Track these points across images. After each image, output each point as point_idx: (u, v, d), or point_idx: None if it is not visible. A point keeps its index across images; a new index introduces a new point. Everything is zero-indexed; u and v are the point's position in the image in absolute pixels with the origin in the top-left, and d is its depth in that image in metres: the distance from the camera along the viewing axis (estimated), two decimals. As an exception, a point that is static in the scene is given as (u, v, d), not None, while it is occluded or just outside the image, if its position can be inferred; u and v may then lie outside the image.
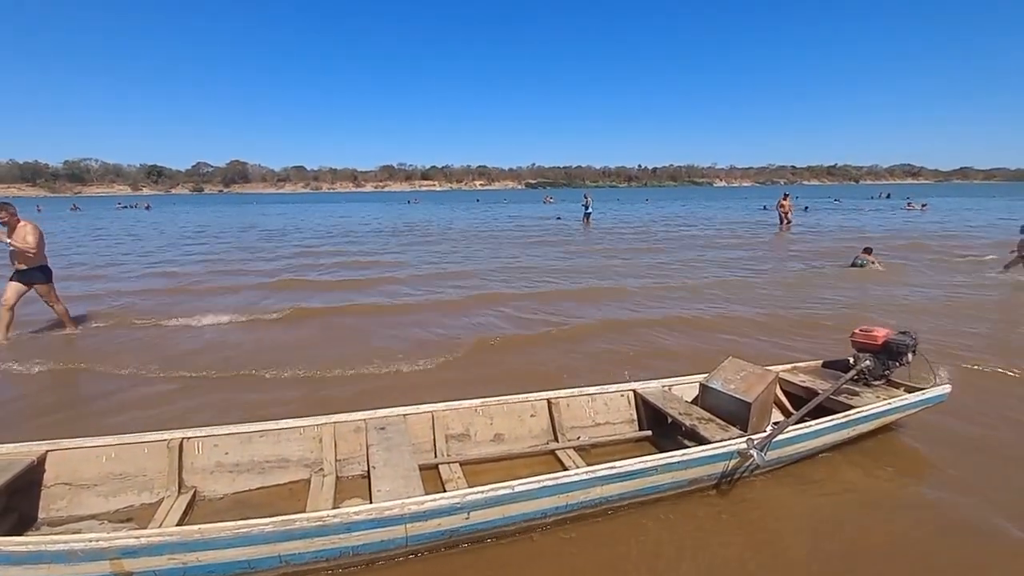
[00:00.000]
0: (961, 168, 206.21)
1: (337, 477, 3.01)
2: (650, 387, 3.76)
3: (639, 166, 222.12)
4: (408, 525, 2.21)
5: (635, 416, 3.71)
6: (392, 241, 17.70)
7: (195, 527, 2.00)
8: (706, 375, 3.57)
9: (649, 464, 2.62)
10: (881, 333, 3.70)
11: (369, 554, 2.25)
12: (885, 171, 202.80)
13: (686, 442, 3.25)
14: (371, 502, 2.29)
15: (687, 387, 3.79)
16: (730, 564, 2.43)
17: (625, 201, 55.36)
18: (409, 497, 2.26)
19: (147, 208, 51.04)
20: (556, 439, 3.49)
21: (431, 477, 3.03)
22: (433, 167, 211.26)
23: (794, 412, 3.22)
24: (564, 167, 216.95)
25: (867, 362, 3.67)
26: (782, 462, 3.12)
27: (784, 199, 20.33)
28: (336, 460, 3.06)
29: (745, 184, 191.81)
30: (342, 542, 2.15)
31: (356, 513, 2.12)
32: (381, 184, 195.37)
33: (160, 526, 2.51)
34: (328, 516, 2.10)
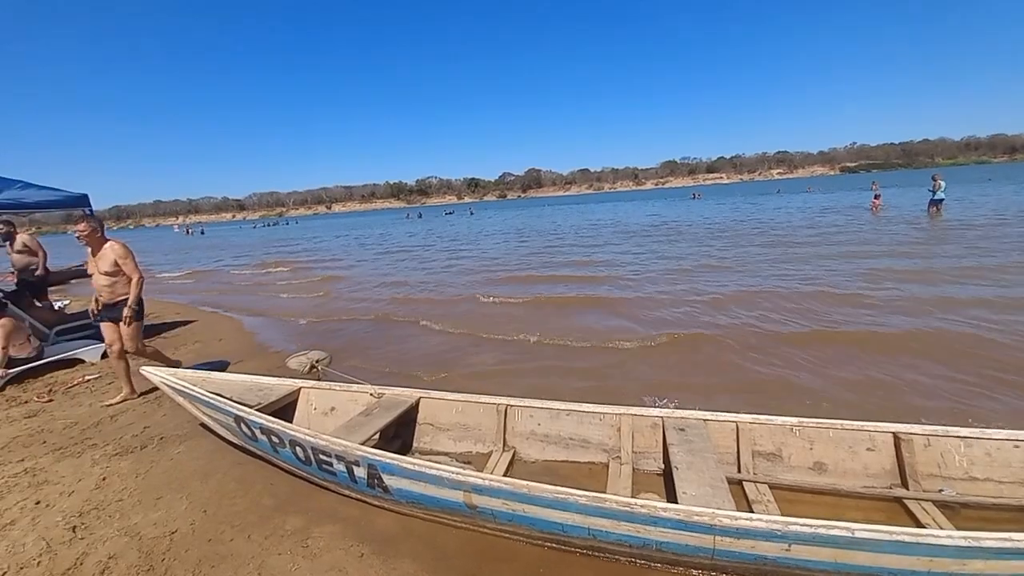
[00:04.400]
0: None
1: (633, 468, 3.07)
2: None
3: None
4: (717, 538, 2.06)
5: None
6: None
7: (524, 482, 2.32)
8: None
9: None
10: None
11: (672, 554, 2.19)
12: None
13: None
14: (670, 501, 2.23)
15: None
16: None
17: (1004, 180, 39.88)
18: (720, 508, 2.11)
19: (471, 213, 63.20)
20: (905, 485, 2.73)
21: (735, 493, 2.77)
22: (720, 158, 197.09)
23: None
24: (901, 144, 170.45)
25: None
26: None
27: None
28: (632, 451, 3.12)
29: None
30: (646, 534, 2.15)
31: (664, 510, 2.09)
32: (662, 180, 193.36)
33: (492, 473, 3.04)
34: (635, 504, 2.13)
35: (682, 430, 2.94)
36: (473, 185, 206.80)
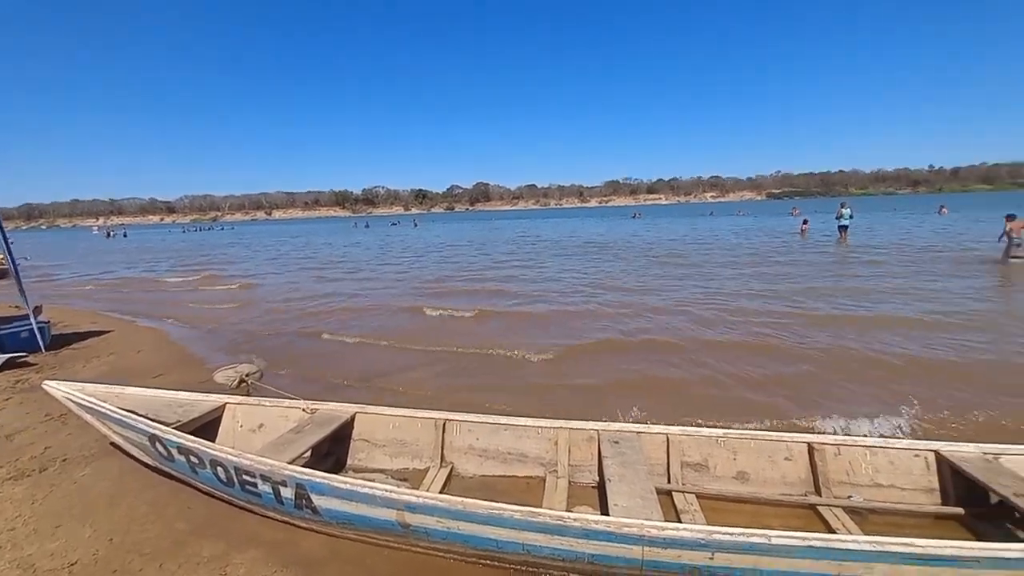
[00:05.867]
0: None
1: (570, 481, 3.11)
2: (963, 451, 2.85)
3: (930, 167, 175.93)
4: (646, 548, 2.13)
5: (936, 485, 2.87)
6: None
7: (459, 499, 2.30)
8: None
9: (970, 553, 1.97)
10: None
11: (604, 566, 2.24)
12: None
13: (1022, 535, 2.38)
14: (604, 514, 2.28)
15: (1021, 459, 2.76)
16: None
17: (904, 210, 44.42)
18: (648, 520, 2.18)
19: (415, 225, 62.23)
20: (818, 493, 2.94)
21: (665, 503, 2.88)
22: (659, 180, 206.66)
23: None
24: (819, 173, 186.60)
25: None
26: None
27: None
28: (569, 464, 3.17)
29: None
30: (579, 547, 2.19)
31: (595, 522, 2.14)
32: (605, 199, 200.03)
33: (427, 491, 2.98)
34: (568, 518, 2.16)
35: (616, 443, 3.02)
36: (421, 196, 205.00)
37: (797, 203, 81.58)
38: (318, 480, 2.47)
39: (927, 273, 10.84)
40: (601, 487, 2.81)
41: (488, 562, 2.43)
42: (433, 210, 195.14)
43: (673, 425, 3.20)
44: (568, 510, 2.49)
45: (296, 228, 72.77)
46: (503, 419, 3.33)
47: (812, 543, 2.03)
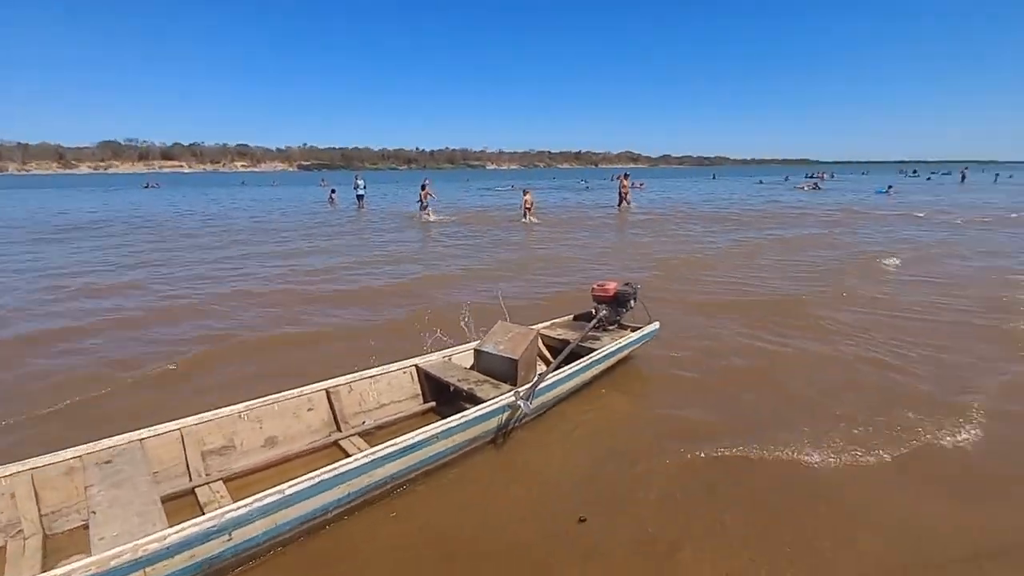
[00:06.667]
0: (664, 155, 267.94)
1: (46, 536, 2.32)
2: (431, 360, 3.85)
3: (417, 148, 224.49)
4: (149, 569, 1.83)
5: (419, 391, 3.76)
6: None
7: None
8: (479, 341, 3.84)
9: (429, 433, 2.69)
10: (612, 286, 4.48)
11: None
12: (615, 156, 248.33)
13: (467, 407, 3.45)
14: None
15: (465, 355, 3.99)
16: (509, 510, 2.65)
17: (404, 182, 55.07)
18: (145, 536, 1.86)
19: None
20: (339, 429, 3.32)
21: (186, 505, 2.56)
22: (177, 144, 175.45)
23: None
24: (340, 148, 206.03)
25: (604, 312, 4.42)
26: (546, 407, 3.56)
27: (624, 178, 22.43)
28: (41, 516, 2.35)
29: (513, 167, 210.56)
30: None
31: (74, 572, 1.66)
32: (103, 165, 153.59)
33: None
34: None
35: (108, 463, 2.43)
36: None
37: (325, 175, 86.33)
38: None
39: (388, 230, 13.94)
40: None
41: None
42: None
43: (190, 416, 2.86)
44: (48, 571, 1.85)
45: None
46: None
47: (322, 477, 2.27)
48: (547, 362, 4.32)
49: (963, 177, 44.61)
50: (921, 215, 18.05)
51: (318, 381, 3.37)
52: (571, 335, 4.30)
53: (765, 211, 20.56)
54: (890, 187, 31.97)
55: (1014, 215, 17.73)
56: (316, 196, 32.49)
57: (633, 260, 9.70)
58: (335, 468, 2.33)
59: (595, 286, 4.57)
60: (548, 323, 4.67)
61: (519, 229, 14.90)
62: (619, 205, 21.25)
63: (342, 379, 3.46)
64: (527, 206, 16.74)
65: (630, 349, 4.29)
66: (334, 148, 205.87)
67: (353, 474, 2.41)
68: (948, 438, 3.26)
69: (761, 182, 49.43)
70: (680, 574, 2.22)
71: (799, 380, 4.19)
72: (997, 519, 2.55)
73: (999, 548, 2.35)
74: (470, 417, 2.89)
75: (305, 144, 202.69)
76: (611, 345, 4.00)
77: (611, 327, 4.50)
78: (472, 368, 3.78)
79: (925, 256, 9.95)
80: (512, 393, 3.11)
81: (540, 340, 4.30)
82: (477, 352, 3.75)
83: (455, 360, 3.93)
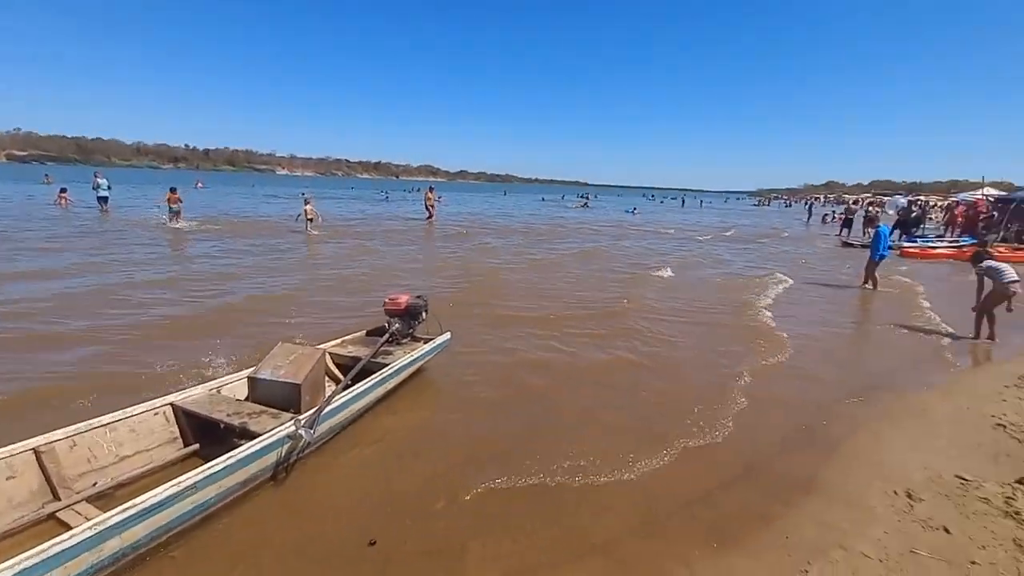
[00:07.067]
0: (461, 171, 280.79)
1: None
2: (193, 395, 3.29)
3: (187, 145, 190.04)
4: None
5: (177, 433, 3.18)
6: None
7: None
8: (254, 367, 3.44)
9: (186, 484, 2.29)
10: (403, 299, 4.48)
11: None
12: (415, 169, 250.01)
13: (242, 443, 3.06)
14: None
15: (237, 384, 3.53)
16: (292, 550, 2.44)
17: (165, 185, 45.78)
18: None
19: None
20: (57, 497, 2.59)
21: None
22: None
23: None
24: (75, 138, 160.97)
25: (396, 325, 4.39)
26: (335, 431, 3.36)
27: (430, 191, 22.74)
28: None
29: (307, 174, 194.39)
30: None
31: None
32: None
33: None
34: None
35: None
36: None
37: (51, 169, 68.12)
38: None
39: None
40: None
41: None
42: None
43: None
44: None
45: None
46: None
47: (23, 565, 1.76)
48: (337, 382, 4.11)
49: (683, 202, 57.39)
50: (671, 231, 22.17)
51: (18, 442, 2.58)
52: (363, 351, 4.16)
53: (557, 224, 23.15)
54: (635, 208, 38.92)
55: (728, 232, 22.94)
56: (43, 195, 24.86)
57: (436, 274, 9.81)
58: (40, 551, 1.82)
59: (387, 300, 4.53)
60: (338, 341, 4.45)
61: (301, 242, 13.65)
62: (428, 219, 21.32)
63: (58, 433, 2.72)
64: (309, 216, 15.29)
65: (423, 361, 4.36)
66: (66, 137, 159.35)
67: (71, 553, 1.92)
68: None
69: (544, 199, 54.94)
70: (469, 572, 2.35)
71: (584, 389, 4.54)
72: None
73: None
74: (240, 456, 2.56)
75: (19, 129, 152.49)
76: (404, 358, 4.00)
77: (404, 340, 4.51)
78: (247, 399, 3.36)
79: (687, 263, 12.46)
80: (292, 422, 2.86)
81: (329, 359, 4.07)
82: (251, 380, 3.35)
83: (225, 392, 3.45)
